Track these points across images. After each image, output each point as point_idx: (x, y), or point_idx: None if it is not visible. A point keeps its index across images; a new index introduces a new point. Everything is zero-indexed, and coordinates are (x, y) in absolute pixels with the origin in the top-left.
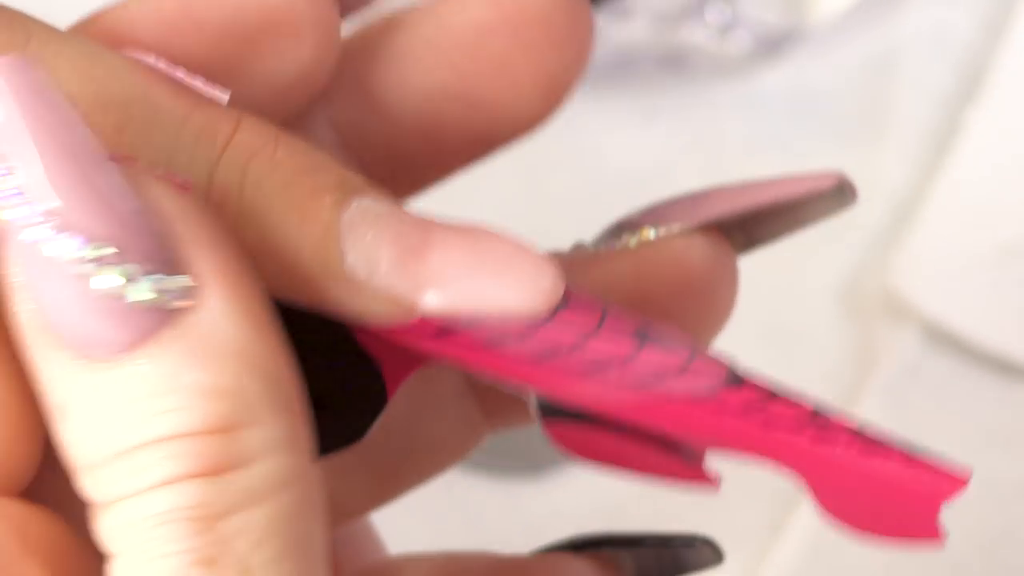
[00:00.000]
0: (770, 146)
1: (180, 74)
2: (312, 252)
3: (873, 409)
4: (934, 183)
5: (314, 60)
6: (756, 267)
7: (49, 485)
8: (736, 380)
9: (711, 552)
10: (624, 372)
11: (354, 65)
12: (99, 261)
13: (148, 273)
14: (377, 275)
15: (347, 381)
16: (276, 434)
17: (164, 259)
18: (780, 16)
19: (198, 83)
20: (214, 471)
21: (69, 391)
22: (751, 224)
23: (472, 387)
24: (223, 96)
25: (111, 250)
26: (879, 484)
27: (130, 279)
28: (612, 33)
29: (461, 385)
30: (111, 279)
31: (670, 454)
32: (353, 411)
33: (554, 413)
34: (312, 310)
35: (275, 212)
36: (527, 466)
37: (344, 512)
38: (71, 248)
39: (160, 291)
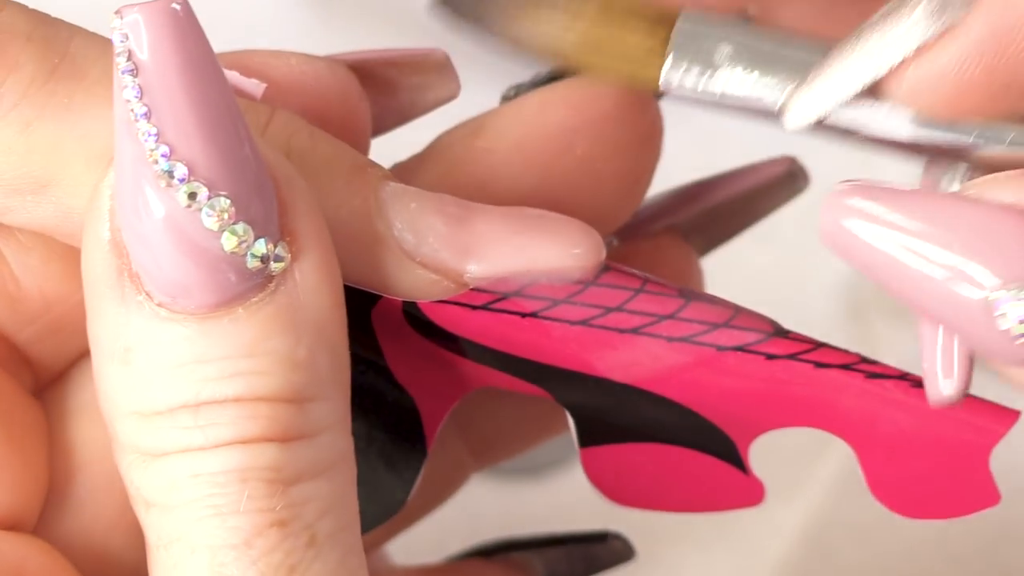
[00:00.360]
0: (769, 147)
1: None
2: (362, 219)
3: None
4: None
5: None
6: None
7: (52, 524)
8: (783, 332)
9: (622, 547)
10: (674, 325)
11: (439, 169)
12: (221, 216)
13: (258, 236)
14: (426, 243)
15: (391, 430)
16: (337, 412)
17: (273, 224)
18: None
19: (234, 75)
20: (286, 437)
21: (139, 336)
22: (711, 223)
23: (459, 428)
24: (259, 87)
25: (232, 207)
26: (930, 425)
27: (245, 238)
28: None
29: (447, 428)
30: (228, 236)
31: (712, 458)
32: (397, 470)
33: (592, 439)
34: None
35: (321, 183)
36: (527, 466)
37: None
38: (198, 198)
39: (265, 255)
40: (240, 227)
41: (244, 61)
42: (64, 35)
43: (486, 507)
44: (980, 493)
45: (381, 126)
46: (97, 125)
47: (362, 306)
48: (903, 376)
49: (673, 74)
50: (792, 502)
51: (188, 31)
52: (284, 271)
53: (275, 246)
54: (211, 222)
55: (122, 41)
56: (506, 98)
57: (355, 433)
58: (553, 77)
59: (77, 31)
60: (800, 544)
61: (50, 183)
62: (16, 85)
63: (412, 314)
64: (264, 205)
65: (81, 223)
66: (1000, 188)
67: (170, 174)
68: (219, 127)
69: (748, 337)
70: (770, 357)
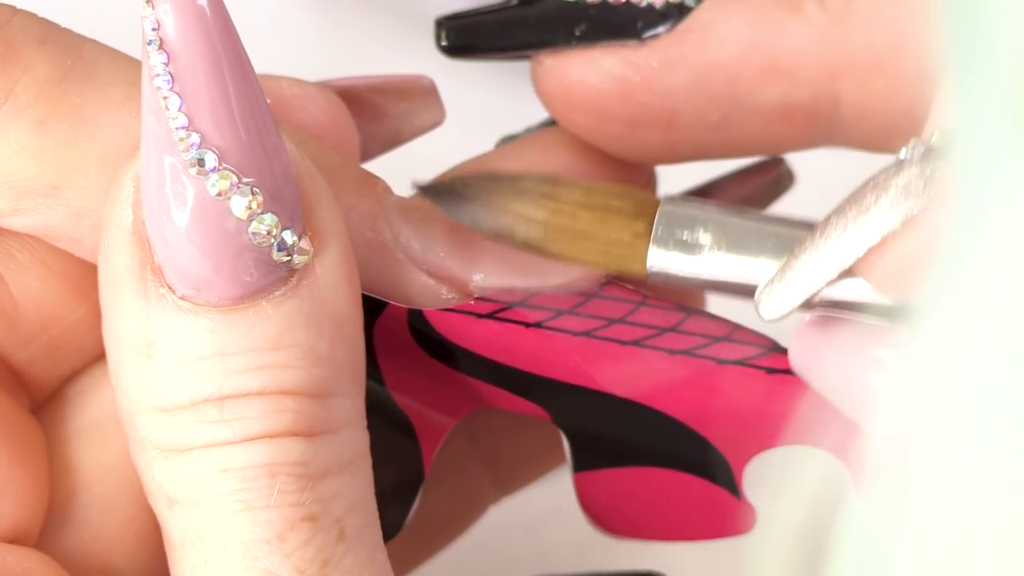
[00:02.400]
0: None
1: None
2: (371, 225)
3: None
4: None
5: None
6: None
7: (53, 541)
8: (781, 349)
9: None
10: (675, 337)
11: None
12: (250, 205)
13: (284, 228)
14: (432, 251)
15: (386, 455)
16: (355, 407)
17: (298, 218)
18: None
19: None
20: (311, 432)
21: (161, 330)
22: None
23: (478, 455)
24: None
25: (261, 196)
26: None
27: (272, 229)
28: None
29: (466, 454)
30: (256, 225)
31: (706, 482)
32: (394, 494)
33: (587, 464)
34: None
35: (332, 188)
36: None
37: None
38: (227, 185)
39: (291, 247)
40: (269, 217)
41: None
42: (76, 41)
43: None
44: None
45: (367, 153)
46: (110, 126)
47: (364, 324)
48: None
49: (657, 261)
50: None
51: (218, 20)
52: (306, 265)
53: (299, 239)
54: (241, 210)
55: (153, 29)
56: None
57: None
58: (552, 122)
59: (88, 39)
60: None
61: (62, 184)
62: (30, 85)
63: (416, 326)
64: (291, 198)
65: (92, 226)
66: None
67: (201, 162)
68: (250, 116)
69: (748, 351)
70: (770, 371)
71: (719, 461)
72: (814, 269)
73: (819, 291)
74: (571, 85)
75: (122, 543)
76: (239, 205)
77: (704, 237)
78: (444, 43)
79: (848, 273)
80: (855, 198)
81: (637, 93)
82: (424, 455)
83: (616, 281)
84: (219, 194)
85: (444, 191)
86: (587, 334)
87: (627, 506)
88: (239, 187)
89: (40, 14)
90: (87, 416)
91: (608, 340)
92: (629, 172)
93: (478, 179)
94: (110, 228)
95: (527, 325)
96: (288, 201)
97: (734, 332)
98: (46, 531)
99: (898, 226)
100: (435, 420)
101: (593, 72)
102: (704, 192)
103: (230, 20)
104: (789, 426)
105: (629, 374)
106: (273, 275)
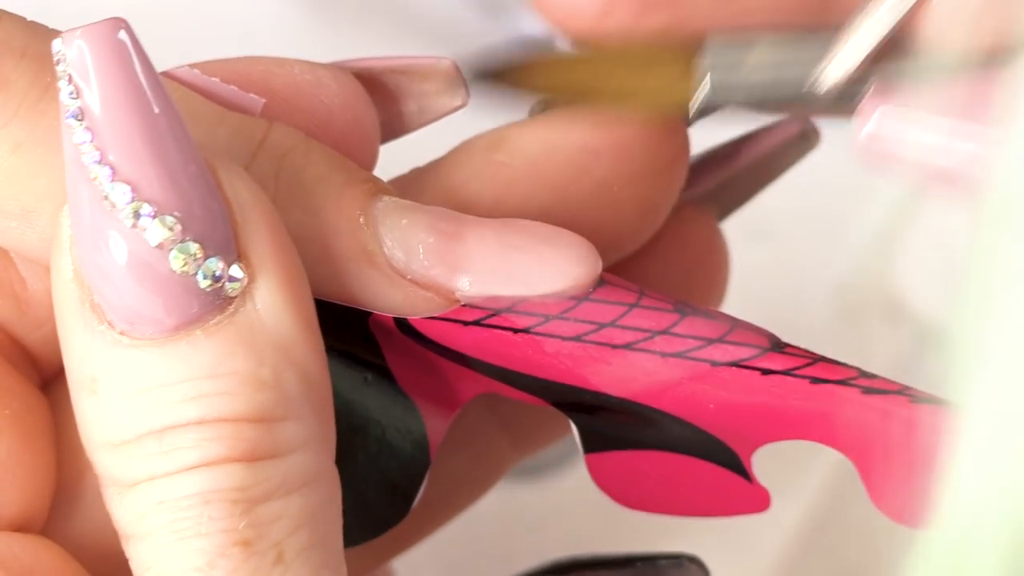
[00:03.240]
0: None
1: (215, 82)
2: (351, 237)
3: None
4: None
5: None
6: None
7: (61, 524)
8: (779, 347)
9: (698, 570)
10: (667, 340)
11: (458, 178)
12: (166, 235)
13: (208, 256)
14: (415, 260)
15: (393, 432)
16: (309, 430)
17: (226, 245)
18: None
19: (233, 90)
20: (252, 457)
21: (104, 365)
22: (724, 191)
23: (497, 418)
24: (258, 102)
25: (178, 225)
26: (929, 439)
27: (193, 259)
28: None
29: (486, 418)
30: (175, 255)
31: (716, 466)
32: (400, 480)
33: (596, 446)
34: (350, 348)
35: (312, 200)
36: (527, 466)
37: (375, 555)
38: (141, 218)
39: (218, 275)
40: (189, 246)
41: (247, 70)
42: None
43: (485, 508)
44: None
45: (390, 133)
46: None
47: (360, 316)
48: (901, 391)
49: (712, 77)
50: (792, 501)
51: (131, 54)
52: (243, 292)
53: (229, 266)
54: (157, 239)
55: (61, 63)
56: (532, 112)
57: (356, 441)
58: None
59: None
60: (799, 543)
61: (35, 210)
62: (7, 104)
63: (405, 328)
64: (215, 225)
65: None
66: None
67: (115, 195)
68: (162, 146)
69: (743, 352)
70: (766, 372)
71: (724, 450)
72: (872, 26)
73: (877, 49)
74: None
75: None
76: (155, 237)
77: (754, 53)
78: None
79: (903, 30)
80: None
81: None
82: (431, 440)
83: (610, 280)
84: (134, 227)
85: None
86: (577, 339)
87: (640, 483)
88: (155, 218)
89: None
90: None
91: (599, 344)
92: (666, 134)
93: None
94: (54, 266)
95: (515, 331)
96: (212, 228)
97: (730, 332)
98: (54, 514)
99: None
100: (441, 405)
101: None
102: (727, 151)
103: (144, 52)
104: (791, 424)
105: (623, 376)
106: (206, 304)
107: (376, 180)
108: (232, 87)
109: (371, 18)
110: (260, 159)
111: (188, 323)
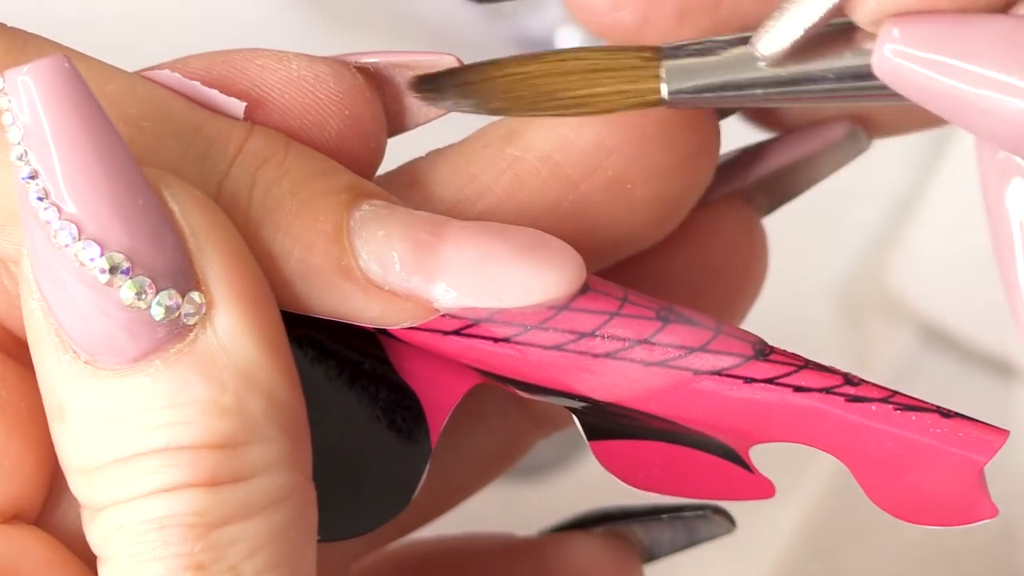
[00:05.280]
0: None
1: (195, 85)
2: (324, 251)
3: None
4: (931, 183)
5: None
6: None
7: (56, 514)
8: (763, 354)
9: (724, 521)
10: (648, 350)
11: (472, 168)
12: (114, 271)
13: (163, 287)
14: (392, 272)
15: (390, 422)
16: (276, 452)
17: (180, 274)
18: None
19: (214, 94)
20: (213, 482)
21: (70, 394)
22: (772, 185)
23: (520, 401)
24: (239, 107)
25: (126, 262)
26: (917, 447)
27: (143, 292)
28: None
29: (504, 399)
30: (125, 291)
31: (717, 458)
32: (399, 469)
33: (600, 434)
34: (342, 343)
35: (284, 215)
36: (527, 466)
37: (396, 528)
38: (87, 255)
39: (172, 306)
40: (140, 280)
41: (244, 65)
42: (35, 55)
43: (485, 508)
44: (976, 507)
45: (394, 128)
46: None
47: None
48: (887, 399)
49: (674, 65)
50: (792, 501)
51: (74, 92)
52: (201, 319)
53: (185, 295)
54: (105, 277)
55: (7, 103)
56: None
57: (355, 431)
58: None
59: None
60: (799, 543)
61: (8, 224)
62: None
63: (389, 336)
64: (167, 256)
65: None
66: None
67: (62, 233)
68: (107, 183)
69: (725, 362)
70: (748, 381)
71: (720, 446)
72: (809, 6)
73: (816, 22)
74: None
75: None
76: (104, 275)
77: (716, 40)
78: None
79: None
80: None
81: None
82: (431, 428)
83: (592, 287)
84: (81, 264)
85: (443, 85)
86: (558, 348)
87: (646, 467)
88: (103, 256)
89: (39, 15)
90: None
91: (579, 354)
92: (687, 129)
93: (472, 69)
94: (23, 293)
95: (495, 340)
96: (163, 260)
97: (712, 340)
98: (47, 506)
99: None
100: (441, 393)
101: None
102: (765, 149)
103: (86, 86)
104: (777, 428)
105: (606, 383)
106: (165, 334)
107: (357, 185)
108: (214, 91)
109: (371, 18)
110: (235, 172)
111: (148, 353)
